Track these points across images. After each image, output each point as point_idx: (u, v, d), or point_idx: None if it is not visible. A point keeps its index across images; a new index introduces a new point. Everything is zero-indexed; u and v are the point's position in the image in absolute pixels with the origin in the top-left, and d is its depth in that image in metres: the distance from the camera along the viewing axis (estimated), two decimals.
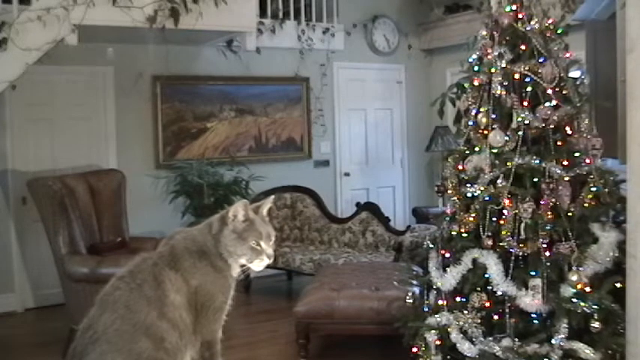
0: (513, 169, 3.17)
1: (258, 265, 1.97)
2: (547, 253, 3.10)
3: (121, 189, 5.34)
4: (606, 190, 3.17)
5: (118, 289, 1.86)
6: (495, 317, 3.21)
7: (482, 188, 3.25)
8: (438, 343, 3.30)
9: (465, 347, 3.18)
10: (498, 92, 3.26)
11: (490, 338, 3.15)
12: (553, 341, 3.00)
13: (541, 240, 3.09)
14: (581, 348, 2.96)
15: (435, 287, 3.45)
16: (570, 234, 3.08)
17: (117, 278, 1.90)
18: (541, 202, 3.12)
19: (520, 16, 3.34)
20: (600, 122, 3.56)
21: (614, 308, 2.99)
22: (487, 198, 3.21)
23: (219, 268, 1.94)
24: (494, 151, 3.28)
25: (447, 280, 3.33)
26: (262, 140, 6.89)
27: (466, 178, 3.40)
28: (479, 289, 3.23)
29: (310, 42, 6.74)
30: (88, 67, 5.91)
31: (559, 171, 3.13)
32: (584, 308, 2.99)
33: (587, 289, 3.03)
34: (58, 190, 4.63)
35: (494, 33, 3.36)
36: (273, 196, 2.18)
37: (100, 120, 6.06)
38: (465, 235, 3.32)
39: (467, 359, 3.18)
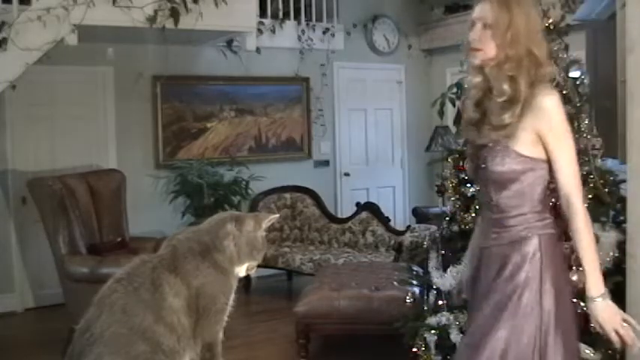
0: None
1: (249, 271, 2.01)
2: None
3: (121, 189, 5.34)
4: (606, 190, 3.17)
5: (115, 292, 1.85)
6: None
7: None
8: (437, 343, 3.30)
9: None
10: None
11: None
12: None
13: None
14: (581, 348, 2.96)
15: (435, 287, 3.45)
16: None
17: (114, 280, 1.89)
18: None
19: None
20: (600, 122, 3.55)
21: None
22: None
23: (222, 269, 1.94)
24: None
25: (447, 280, 3.33)
26: (262, 140, 6.89)
27: (466, 178, 3.40)
28: None
29: (310, 42, 6.74)
30: (88, 67, 5.91)
31: None
32: (584, 308, 2.99)
33: None
34: (58, 190, 4.63)
35: None
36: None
37: (100, 120, 6.06)
38: (465, 235, 3.32)
39: None
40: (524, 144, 2.01)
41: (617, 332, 1.92)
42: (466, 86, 2.18)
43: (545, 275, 2.02)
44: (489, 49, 2.02)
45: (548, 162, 2.03)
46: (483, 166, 2.08)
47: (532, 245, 2.04)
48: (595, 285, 1.98)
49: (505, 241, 2.08)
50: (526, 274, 2.03)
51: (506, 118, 2.00)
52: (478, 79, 2.09)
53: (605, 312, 1.95)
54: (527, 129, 2.00)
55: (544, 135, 2.00)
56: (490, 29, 2.01)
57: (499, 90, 2.02)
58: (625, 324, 1.94)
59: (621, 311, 1.99)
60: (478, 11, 2.05)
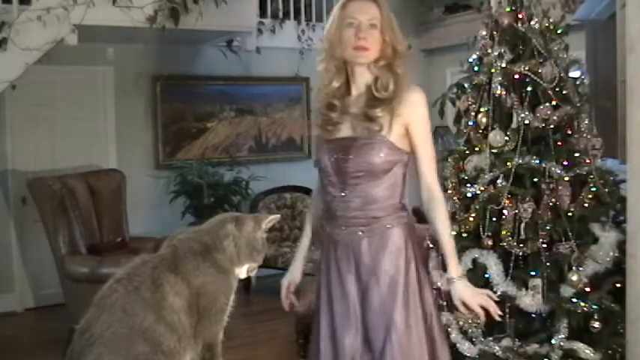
0: (513, 169, 3.17)
1: (250, 273, 2.01)
2: (547, 253, 3.10)
3: (121, 189, 5.34)
4: (606, 190, 3.17)
5: (115, 292, 1.85)
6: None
7: (482, 188, 3.24)
8: None
9: (465, 347, 3.18)
10: (498, 92, 3.26)
11: (490, 338, 3.15)
12: (553, 341, 3.00)
13: (541, 240, 3.09)
14: (581, 348, 2.96)
15: (434, 287, 3.45)
16: (570, 234, 3.08)
17: (114, 280, 1.89)
18: (541, 202, 3.12)
19: (520, 16, 3.34)
20: (600, 122, 3.55)
21: (614, 308, 2.99)
22: (487, 198, 3.21)
23: (223, 269, 1.94)
24: (494, 151, 3.28)
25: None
26: (262, 140, 6.89)
27: (466, 178, 3.39)
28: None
29: (310, 42, 6.73)
30: (88, 67, 5.91)
31: (559, 171, 3.13)
32: (584, 308, 2.99)
33: (587, 289, 3.03)
34: (58, 190, 4.63)
35: (494, 33, 3.37)
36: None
37: (99, 120, 6.07)
38: (465, 235, 3.31)
39: (467, 359, 3.18)
40: (396, 135, 2.08)
41: (481, 306, 2.04)
42: (320, 87, 2.18)
43: (417, 263, 2.12)
44: (376, 49, 2.10)
45: (409, 154, 2.12)
46: (351, 158, 2.08)
47: (402, 234, 2.12)
48: (456, 268, 2.12)
49: (376, 232, 2.11)
50: (404, 262, 2.09)
51: (378, 111, 2.07)
52: (339, 80, 2.14)
53: (466, 291, 2.08)
54: (397, 121, 2.07)
55: (412, 126, 2.10)
56: (376, 29, 2.11)
57: (385, 87, 2.08)
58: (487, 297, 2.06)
59: (480, 289, 2.13)
60: (358, 11, 2.12)
